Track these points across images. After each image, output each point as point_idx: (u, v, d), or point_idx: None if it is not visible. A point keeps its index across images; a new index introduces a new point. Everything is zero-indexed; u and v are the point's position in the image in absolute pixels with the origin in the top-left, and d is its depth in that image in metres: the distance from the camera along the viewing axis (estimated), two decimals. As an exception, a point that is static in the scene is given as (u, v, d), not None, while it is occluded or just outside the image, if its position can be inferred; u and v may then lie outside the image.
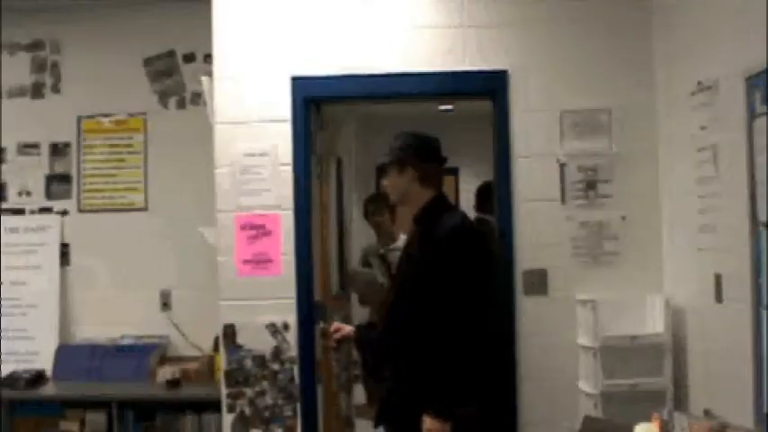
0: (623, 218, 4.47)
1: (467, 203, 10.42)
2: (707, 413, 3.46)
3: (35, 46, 5.57)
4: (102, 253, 5.46)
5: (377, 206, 6.15)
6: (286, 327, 4.49)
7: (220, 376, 4.60)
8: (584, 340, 4.34)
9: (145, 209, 5.48)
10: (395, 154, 3.61)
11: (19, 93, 5.53)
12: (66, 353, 5.24)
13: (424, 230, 3.55)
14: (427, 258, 3.45)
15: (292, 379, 4.50)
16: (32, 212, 5.54)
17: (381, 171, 3.91)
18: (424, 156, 3.60)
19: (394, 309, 3.60)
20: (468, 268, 3.36)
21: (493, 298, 3.46)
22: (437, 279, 3.37)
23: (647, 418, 3.19)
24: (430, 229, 3.50)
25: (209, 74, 4.70)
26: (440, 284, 3.35)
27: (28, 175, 5.54)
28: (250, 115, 4.56)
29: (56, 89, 5.56)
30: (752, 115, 3.18)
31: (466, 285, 3.33)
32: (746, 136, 3.22)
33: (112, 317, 5.36)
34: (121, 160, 5.51)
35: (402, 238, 4.92)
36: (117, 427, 4.82)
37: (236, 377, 4.51)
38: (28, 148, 5.55)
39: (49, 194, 5.55)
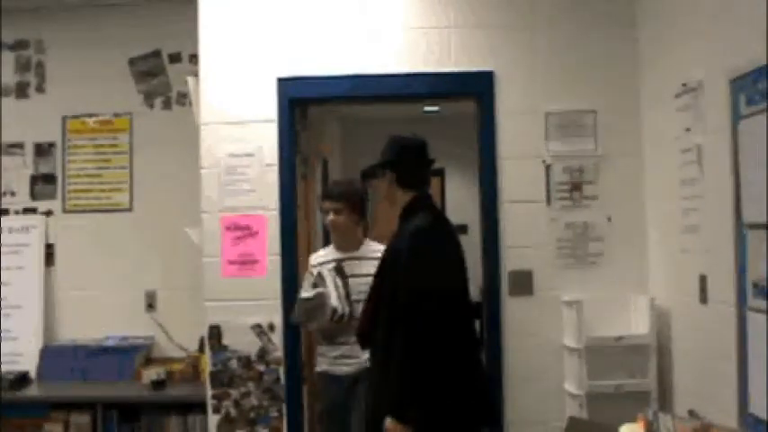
0: (608, 219, 4.49)
1: (453, 204, 10.51)
2: (691, 413, 3.47)
3: (19, 45, 5.55)
4: (86, 253, 5.44)
5: (332, 202, 4.54)
6: (272, 328, 4.49)
7: (206, 377, 4.59)
8: (569, 341, 4.35)
9: (130, 209, 5.45)
10: (381, 157, 3.67)
11: (3, 92, 5.50)
12: (51, 354, 5.21)
13: (398, 231, 3.60)
14: (391, 257, 3.51)
15: (278, 380, 4.50)
16: (17, 213, 5.51)
17: (366, 175, 3.90)
18: (401, 158, 3.64)
19: (368, 307, 3.65)
20: (418, 269, 3.37)
21: (444, 300, 3.40)
22: (393, 277, 3.41)
23: (632, 419, 3.21)
24: (402, 229, 3.54)
25: (195, 74, 4.70)
26: (393, 283, 3.40)
27: (12, 176, 5.52)
28: (236, 116, 4.56)
29: (40, 89, 5.54)
30: (736, 117, 3.19)
31: (412, 286, 3.34)
32: (730, 137, 3.23)
33: (97, 317, 5.34)
34: (107, 160, 5.49)
35: (370, 244, 4.53)
36: (102, 427, 4.79)
37: (222, 378, 4.51)
38: (12, 148, 5.52)
39: (34, 195, 5.52)
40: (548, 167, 4.51)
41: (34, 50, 5.55)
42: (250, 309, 4.49)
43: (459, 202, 10.13)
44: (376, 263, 3.84)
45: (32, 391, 4.99)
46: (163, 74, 5.45)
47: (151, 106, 5.47)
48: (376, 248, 4.36)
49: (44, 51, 5.55)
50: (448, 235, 3.67)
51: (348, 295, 4.35)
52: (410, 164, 3.66)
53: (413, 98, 5.22)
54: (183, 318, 5.15)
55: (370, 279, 3.88)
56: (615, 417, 3.36)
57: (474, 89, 4.57)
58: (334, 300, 4.29)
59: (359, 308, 4.06)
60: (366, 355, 3.90)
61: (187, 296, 4.96)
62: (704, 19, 3.59)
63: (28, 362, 5.20)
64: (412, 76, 4.54)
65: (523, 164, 4.51)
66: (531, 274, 4.49)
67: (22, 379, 5.04)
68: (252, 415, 4.49)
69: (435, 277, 3.39)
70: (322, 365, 4.53)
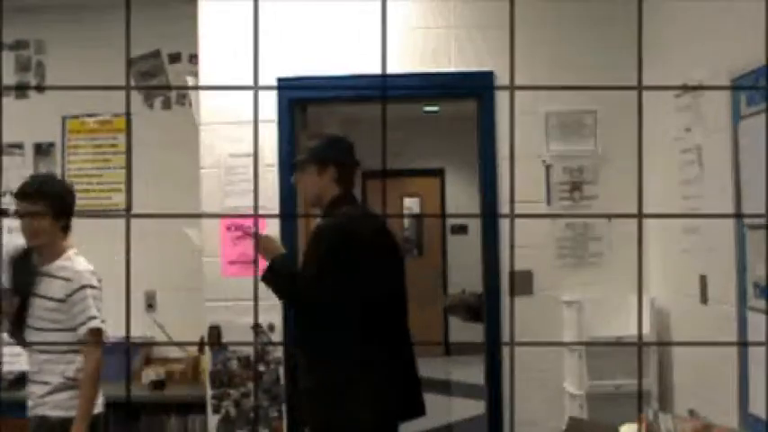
0: (608, 219, 4.49)
1: (453, 204, 10.51)
2: (691, 413, 3.48)
3: (19, 45, 5.55)
4: (85, 254, 5.42)
5: (29, 202, 3.72)
6: (272, 328, 4.49)
7: (205, 377, 4.59)
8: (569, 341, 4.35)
9: (129, 210, 5.45)
10: (316, 153, 3.66)
11: (3, 92, 5.50)
12: (51, 354, 5.20)
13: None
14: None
15: (278, 380, 4.49)
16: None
17: (293, 168, 3.82)
18: (343, 157, 3.69)
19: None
20: (320, 262, 3.42)
21: (343, 294, 3.42)
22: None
23: (632, 419, 3.21)
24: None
25: (195, 74, 4.70)
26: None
27: (12, 176, 5.51)
28: (235, 116, 4.55)
29: (40, 89, 5.54)
30: (736, 117, 3.19)
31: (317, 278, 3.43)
32: (731, 137, 3.23)
33: (97, 318, 5.33)
34: (106, 161, 5.49)
35: (69, 260, 3.80)
36: (101, 428, 4.79)
37: (222, 378, 4.51)
38: (12, 148, 5.53)
39: (34, 195, 5.51)
40: (548, 167, 4.51)
41: (34, 50, 5.56)
42: (250, 309, 4.49)
43: (460, 202, 10.14)
44: (61, 283, 3.66)
45: (32, 392, 4.98)
46: (163, 74, 5.45)
47: (151, 106, 5.47)
48: (66, 266, 3.73)
49: (44, 51, 5.55)
50: (366, 232, 3.60)
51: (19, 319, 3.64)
52: (352, 163, 3.72)
53: (413, 98, 5.23)
54: (183, 318, 5.14)
55: (48, 304, 3.57)
56: (615, 417, 3.36)
57: (474, 89, 4.57)
58: None
59: (35, 337, 3.65)
60: (43, 402, 3.72)
61: (187, 296, 4.95)
62: (704, 19, 3.59)
63: (27, 362, 5.19)
64: (412, 76, 4.54)
65: (523, 164, 4.51)
66: (531, 274, 4.49)
67: (22, 379, 5.03)
68: (252, 415, 4.49)
69: (335, 274, 3.42)
70: None
